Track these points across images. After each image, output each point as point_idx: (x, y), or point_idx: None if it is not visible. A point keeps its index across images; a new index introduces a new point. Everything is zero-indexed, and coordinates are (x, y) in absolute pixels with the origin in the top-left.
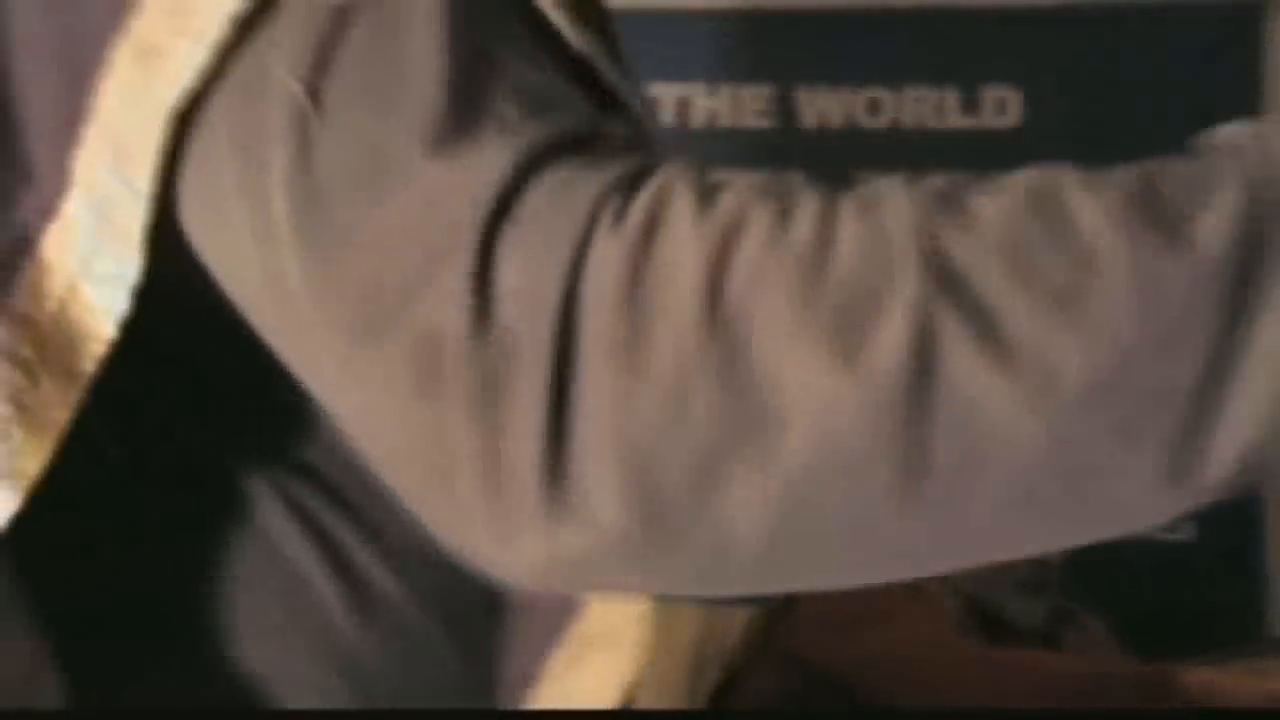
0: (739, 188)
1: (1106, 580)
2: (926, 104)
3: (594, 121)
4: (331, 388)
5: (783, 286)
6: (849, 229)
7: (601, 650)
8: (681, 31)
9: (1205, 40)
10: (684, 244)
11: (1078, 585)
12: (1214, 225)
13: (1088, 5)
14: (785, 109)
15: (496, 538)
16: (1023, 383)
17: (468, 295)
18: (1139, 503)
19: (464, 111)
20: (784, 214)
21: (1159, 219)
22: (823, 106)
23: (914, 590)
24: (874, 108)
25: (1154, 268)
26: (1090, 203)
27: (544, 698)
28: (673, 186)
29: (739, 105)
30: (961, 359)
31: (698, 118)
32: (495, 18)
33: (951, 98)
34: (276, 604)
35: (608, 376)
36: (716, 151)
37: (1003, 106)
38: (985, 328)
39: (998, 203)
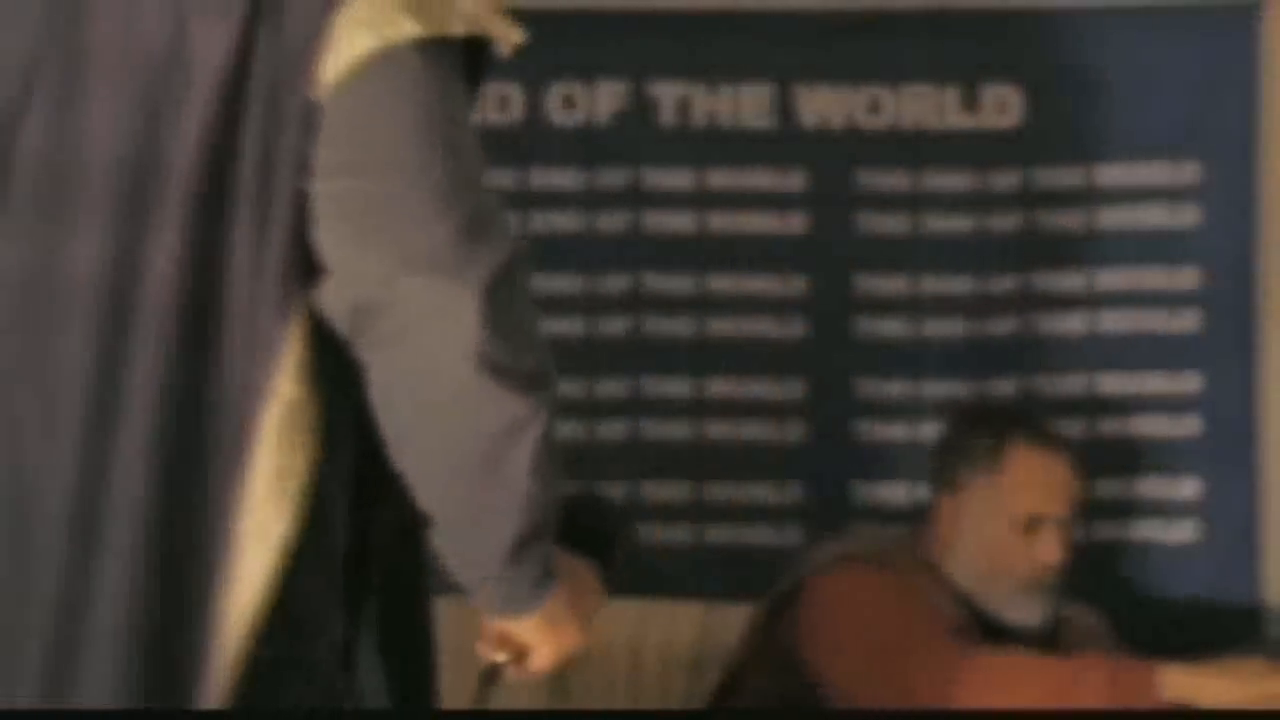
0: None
1: (1106, 580)
2: (926, 103)
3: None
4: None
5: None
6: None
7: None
8: (682, 31)
9: (1205, 40)
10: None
11: (1078, 586)
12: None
13: (1088, 5)
14: (785, 109)
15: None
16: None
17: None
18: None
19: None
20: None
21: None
22: (823, 106)
23: (909, 592)
24: (874, 107)
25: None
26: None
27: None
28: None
29: (739, 105)
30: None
31: (698, 118)
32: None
33: (952, 97)
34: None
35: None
36: (716, 151)
37: (1003, 106)
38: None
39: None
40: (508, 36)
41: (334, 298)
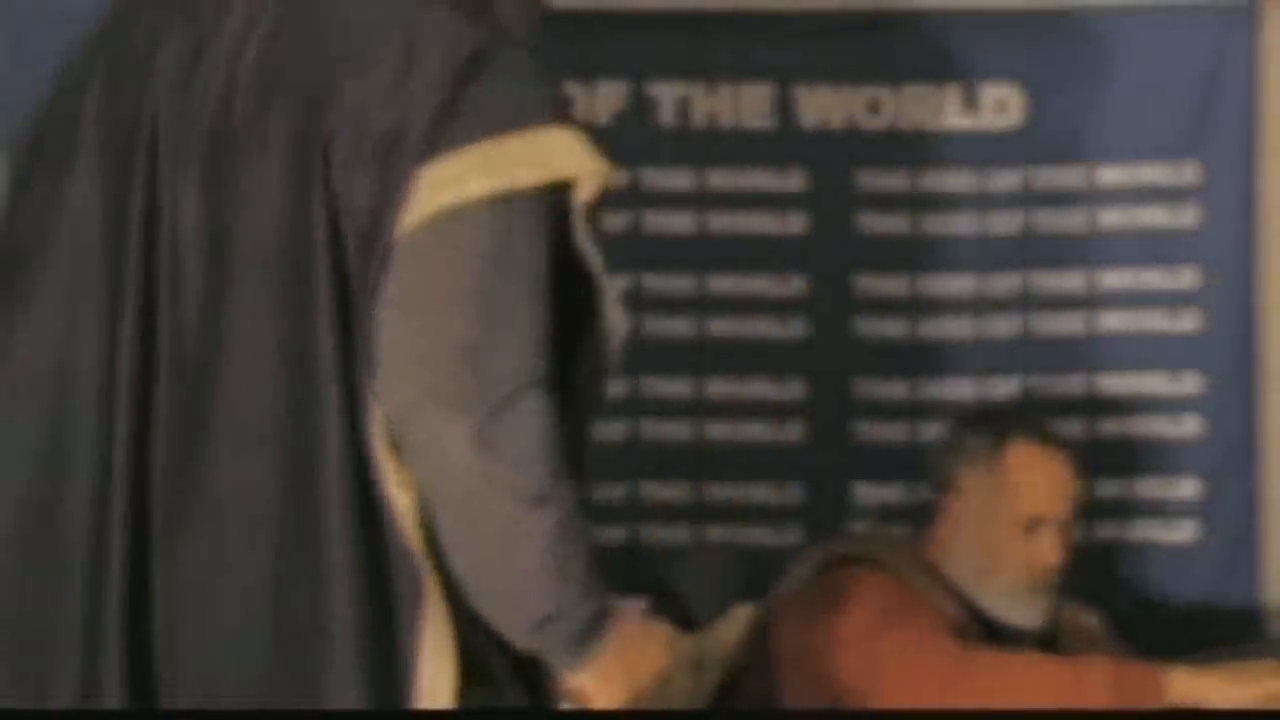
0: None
1: (1107, 580)
2: (926, 103)
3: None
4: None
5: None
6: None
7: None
8: (682, 31)
9: (1205, 40)
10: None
11: (1078, 586)
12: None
13: (1088, 5)
14: (785, 109)
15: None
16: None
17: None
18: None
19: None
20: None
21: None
22: (823, 106)
23: (909, 592)
24: (874, 107)
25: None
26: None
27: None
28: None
29: (739, 105)
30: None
31: (698, 118)
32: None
33: (952, 97)
34: None
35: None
36: (716, 151)
37: (1003, 106)
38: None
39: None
40: (590, 173)
41: (384, 405)
